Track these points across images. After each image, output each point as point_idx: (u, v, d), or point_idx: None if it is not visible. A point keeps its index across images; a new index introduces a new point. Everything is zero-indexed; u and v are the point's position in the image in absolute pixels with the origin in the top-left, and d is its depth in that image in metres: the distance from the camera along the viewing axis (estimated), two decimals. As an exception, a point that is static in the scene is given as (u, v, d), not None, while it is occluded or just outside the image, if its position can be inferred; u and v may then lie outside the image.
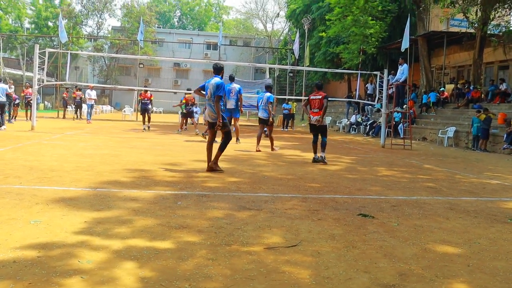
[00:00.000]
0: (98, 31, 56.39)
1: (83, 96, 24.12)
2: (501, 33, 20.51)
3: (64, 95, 27.76)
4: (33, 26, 51.95)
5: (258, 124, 12.65)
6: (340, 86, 36.80)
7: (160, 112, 45.48)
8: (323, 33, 29.44)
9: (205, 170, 7.46)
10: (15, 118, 19.87)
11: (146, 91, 17.72)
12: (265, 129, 12.39)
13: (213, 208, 4.85)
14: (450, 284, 3.04)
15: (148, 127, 17.47)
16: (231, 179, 6.81)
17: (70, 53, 20.64)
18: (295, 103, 28.21)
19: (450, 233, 4.35)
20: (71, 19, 49.49)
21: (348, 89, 32.57)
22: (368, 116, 23.54)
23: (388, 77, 16.38)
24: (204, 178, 6.77)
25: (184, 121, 17.91)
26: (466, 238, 4.20)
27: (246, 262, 3.24)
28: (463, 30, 22.46)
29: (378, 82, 17.32)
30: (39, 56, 15.22)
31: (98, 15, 55.49)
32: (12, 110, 19.57)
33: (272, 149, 11.75)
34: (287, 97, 26.91)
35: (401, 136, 18.36)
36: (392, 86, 18.41)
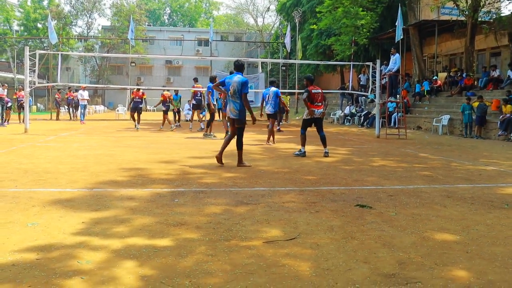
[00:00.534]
0: (88, 31, 55.98)
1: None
2: (492, 20, 20.54)
3: (57, 97, 27.68)
4: (22, 28, 51.40)
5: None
6: (333, 78, 36.78)
7: (154, 111, 45.32)
8: (314, 25, 29.38)
9: (200, 166, 7.48)
10: (8, 121, 19.76)
11: (138, 89, 17.61)
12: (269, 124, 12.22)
13: (211, 204, 4.85)
14: (449, 271, 3.06)
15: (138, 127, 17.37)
16: (227, 175, 6.81)
17: (61, 54, 20.45)
18: (288, 97, 28.18)
19: (448, 220, 4.37)
20: (60, 20, 49.05)
21: (341, 80, 32.57)
22: (362, 107, 23.57)
23: (380, 67, 16.39)
24: (200, 175, 6.76)
25: (175, 118, 18.81)
26: (464, 225, 4.23)
27: (245, 257, 3.24)
28: (454, 18, 22.46)
29: (371, 73, 17.34)
30: (29, 58, 15.10)
31: (88, 15, 55.06)
32: (4, 114, 19.47)
33: (268, 142, 11.76)
34: (280, 90, 26.82)
35: (396, 126, 18.43)
36: (385, 76, 18.46)
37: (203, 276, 2.87)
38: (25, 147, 10.27)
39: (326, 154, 9.32)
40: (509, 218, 4.50)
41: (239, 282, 2.80)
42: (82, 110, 22.80)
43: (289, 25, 31.87)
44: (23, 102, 18.26)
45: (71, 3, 53.45)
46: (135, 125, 17.10)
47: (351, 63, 21.93)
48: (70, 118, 25.91)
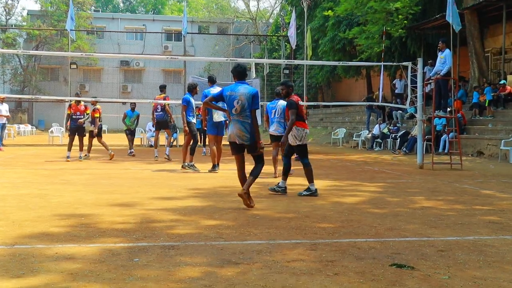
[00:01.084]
0: (8, 17, 56.12)
1: None
2: None
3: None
4: None
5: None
6: (356, 85, 37.13)
7: (104, 131, 45.34)
8: (330, 11, 29.65)
9: (170, 209, 7.47)
10: None
11: (78, 102, 17.46)
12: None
13: (185, 264, 4.83)
14: None
15: (86, 155, 17.36)
16: (208, 222, 6.79)
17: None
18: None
19: (523, 285, 4.37)
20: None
21: (368, 88, 32.88)
22: (398, 125, 23.72)
23: (424, 69, 16.54)
24: (171, 223, 6.74)
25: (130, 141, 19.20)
26: (545, 291, 4.23)
27: None
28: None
29: (409, 77, 17.49)
30: None
31: (5, -5, 55.21)
32: None
33: (274, 175, 12.09)
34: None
35: (446, 151, 18.49)
36: (431, 81, 18.60)
37: None
38: None
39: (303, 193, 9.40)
40: None
41: None
42: (0, 132, 22.73)
43: (294, 11, 32.17)
44: None
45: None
46: (80, 155, 17.05)
47: (382, 63, 21.94)
48: None
